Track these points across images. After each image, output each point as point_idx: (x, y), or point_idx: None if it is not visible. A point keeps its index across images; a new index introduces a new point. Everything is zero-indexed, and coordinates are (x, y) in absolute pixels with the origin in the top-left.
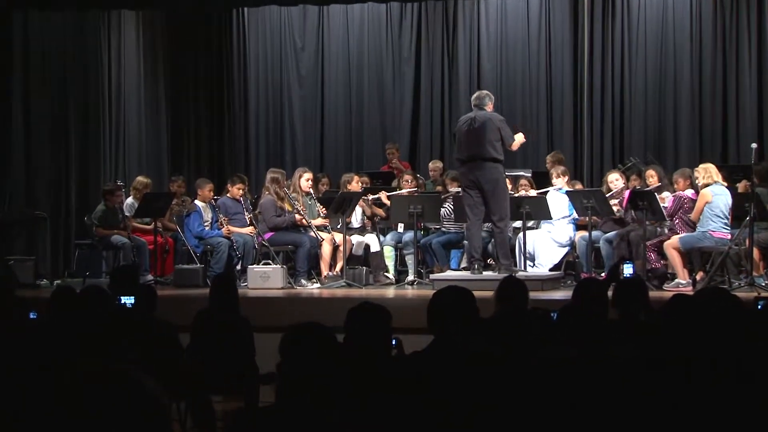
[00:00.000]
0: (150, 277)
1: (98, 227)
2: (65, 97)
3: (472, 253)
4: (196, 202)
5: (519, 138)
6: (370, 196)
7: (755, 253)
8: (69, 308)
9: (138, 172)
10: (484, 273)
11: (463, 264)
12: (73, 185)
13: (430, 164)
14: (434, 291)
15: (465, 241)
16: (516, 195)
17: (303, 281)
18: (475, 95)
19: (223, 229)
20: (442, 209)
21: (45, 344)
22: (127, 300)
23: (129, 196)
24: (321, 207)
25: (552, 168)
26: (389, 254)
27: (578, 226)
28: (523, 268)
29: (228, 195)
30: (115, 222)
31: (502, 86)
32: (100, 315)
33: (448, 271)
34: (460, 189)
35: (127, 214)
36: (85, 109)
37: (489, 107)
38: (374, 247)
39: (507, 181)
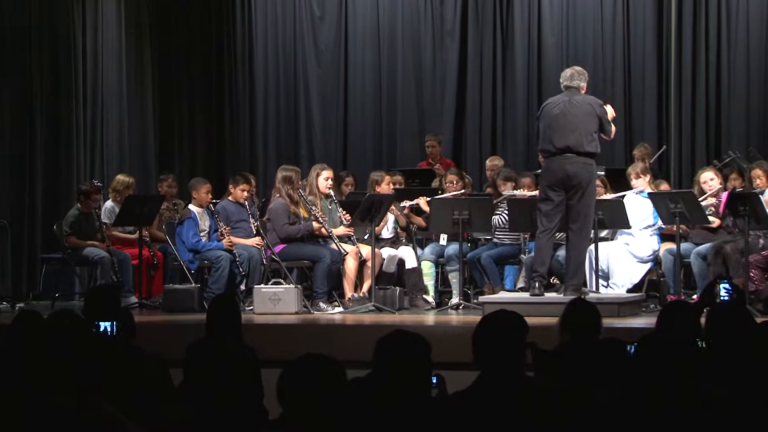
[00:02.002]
0: (134, 299)
1: (70, 236)
2: (29, 81)
3: (535, 269)
4: (191, 206)
5: (610, 111)
6: (406, 203)
7: None
8: (33, 337)
9: (119, 170)
10: (546, 294)
11: (520, 284)
12: (39, 186)
13: (487, 162)
14: (483, 316)
15: (523, 255)
16: None
17: (322, 305)
18: (566, 74)
19: (223, 240)
20: (495, 216)
21: (1, 382)
22: (106, 325)
23: (108, 199)
24: (344, 213)
25: (633, 166)
26: (429, 271)
27: (663, 237)
28: (594, 289)
29: (230, 198)
30: (91, 230)
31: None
32: (71, 346)
33: (502, 292)
34: (515, 191)
35: (105, 221)
36: (55, 96)
37: (584, 89)
38: (410, 263)
39: None
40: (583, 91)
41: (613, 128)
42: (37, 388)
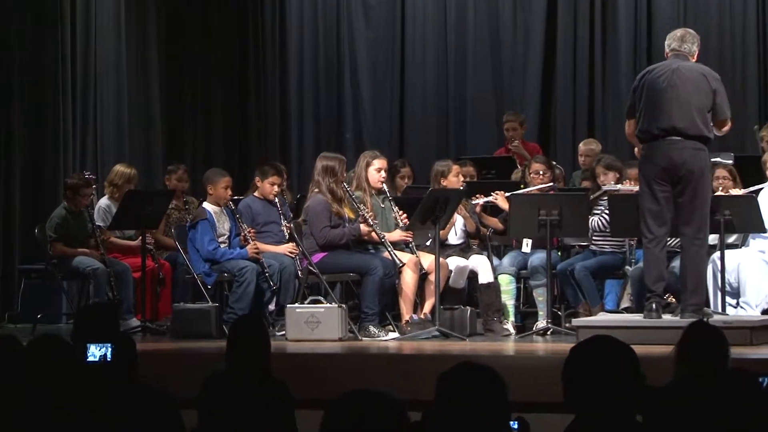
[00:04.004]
0: (135, 321)
1: (55, 242)
2: (7, 55)
3: (649, 287)
4: (206, 205)
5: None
6: (480, 199)
7: None
8: (10, 369)
9: (116, 160)
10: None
11: (625, 303)
12: (16, 180)
13: (581, 146)
14: (576, 344)
15: (628, 267)
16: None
17: (372, 329)
18: (675, 35)
19: (248, 247)
20: (593, 217)
21: None
22: (100, 352)
23: (103, 195)
24: (401, 213)
25: None
26: (508, 287)
27: None
28: (720, 310)
29: (255, 194)
30: (82, 235)
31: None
32: (57, 378)
33: (601, 313)
34: (618, 185)
35: (100, 223)
36: (37, 71)
37: (695, 56)
38: (484, 276)
39: None
40: (693, 59)
41: (728, 119)
42: None
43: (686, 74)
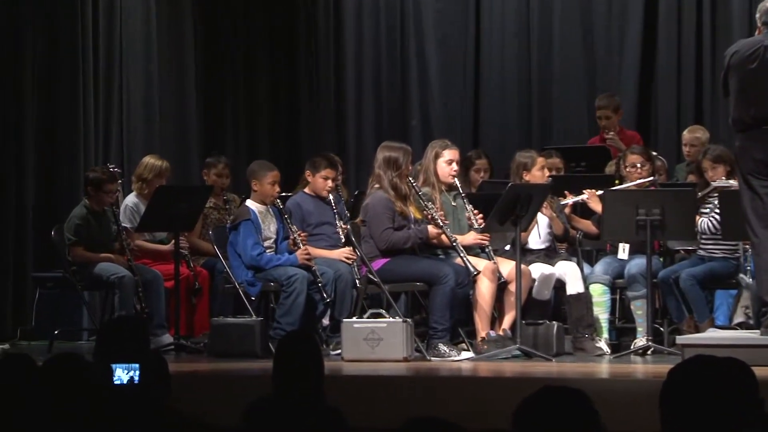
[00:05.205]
0: (168, 337)
1: (75, 246)
2: (19, 38)
3: (765, 298)
4: (249, 203)
5: None
6: (569, 198)
7: None
8: (23, 392)
9: (146, 151)
10: None
11: (738, 317)
12: (30, 175)
13: (685, 134)
14: (676, 365)
15: (743, 276)
16: None
17: (443, 347)
18: (764, 7)
19: (297, 252)
20: (701, 217)
21: None
22: (126, 374)
23: (130, 191)
24: (476, 212)
25: None
26: (601, 299)
27: None
28: None
29: (306, 190)
30: (106, 238)
31: None
32: (76, 403)
33: (710, 330)
34: (731, 180)
35: (126, 224)
36: (53, 50)
37: None
38: (573, 286)
39: None
40: None
41: None
42: None
43: None
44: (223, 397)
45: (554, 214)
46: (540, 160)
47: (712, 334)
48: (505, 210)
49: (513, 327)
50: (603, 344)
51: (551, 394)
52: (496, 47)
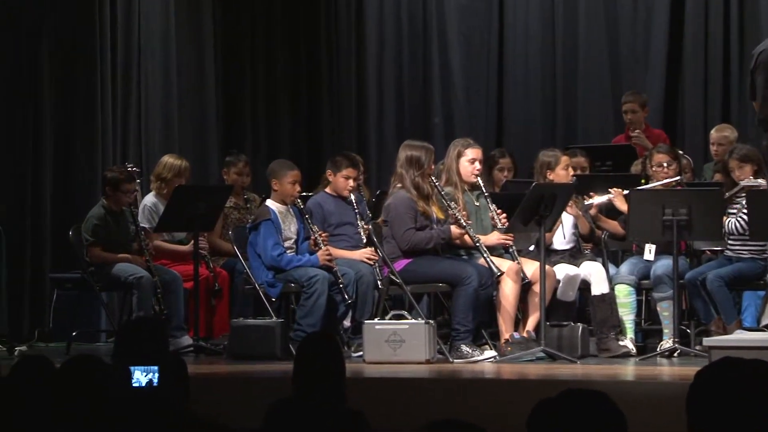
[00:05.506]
0: (187, 339)
1: (93, 247)
2: (37, 37)
3: None
4: (269, 203)
5: None
6: (594, 198)
7: None
8: (40, 394)
9: (164, 150)
10: None
11: (767, 319)
12: (47, 174)
13: (713, 133)
14: (703, 368)
15: None
16: None
17: (466, 349)
18: None
19: (318, 253)
20: (729, 217)
21: None
22: (145, 377)
23: (149, 191)
24: (499, 212)
25: None
26: (627, 300)
27: None
28: None
29: (327, 190)
30: (124, 237)
31: None
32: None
33: (738, 331)
34: (760, 180)
35: (145, 224)
36: (69, 43)
37: None
38: (598, 287)
39: None
40: None
41: None
42: None
43: None
44: (243, 400)
45: (580, 213)
46: (564, 159)
47: (740, 336)
48: (528, 210)
49: (537, 329)
50: (628, 342)
51: (572, 397)
52: (520, 44)
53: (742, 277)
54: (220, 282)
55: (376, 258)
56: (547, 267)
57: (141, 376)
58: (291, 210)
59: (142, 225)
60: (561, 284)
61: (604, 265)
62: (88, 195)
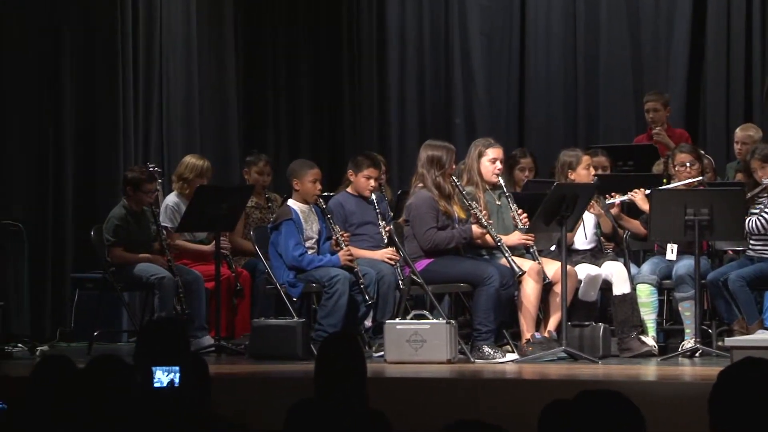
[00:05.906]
0: (208, 339)
1: (114, 247)
2: (58, 37)
3: None
4: (291, 203)
5: None
6: (616, 196)
7: None
8: (63, 395)
9: (186, 150)
10: None
11: None
12: (68, 174)
13: (737, 132)
14: (725, 368)
15: None
16: None
17: (487, 349)
18: None
19: (340, 253)
20: (750, 217)
21: None
22: (166, 377)
23: (170, 191)
24: (520, 212)
25: None
26: (648, 300)
27: None
28: None
29: (349, 190)
30: (145, 238)
31: None
32: (118, 406)
33: (760, 331)
34: None
35: (166, 224)
36: (90, 45)
37: None
38: (620, 287)
39: None
40: None
41: None
42: None
43: None
44: (264, 400)
45: (602, 212)
46: (586, 159)
47: (762, 336)
48: (550, 210)
49: (558, 329)
50: (650, 340)
51: (592, 398)
52: (541, 43)
53: (764, 277)
54: (242, 282)
55: (398, 258)
56: (568, 267)
57: (162, 377)
58: (313, 209)
59: (163, 225)
60: (582, 284)
61: (626, 264)
62: (109, 195)
